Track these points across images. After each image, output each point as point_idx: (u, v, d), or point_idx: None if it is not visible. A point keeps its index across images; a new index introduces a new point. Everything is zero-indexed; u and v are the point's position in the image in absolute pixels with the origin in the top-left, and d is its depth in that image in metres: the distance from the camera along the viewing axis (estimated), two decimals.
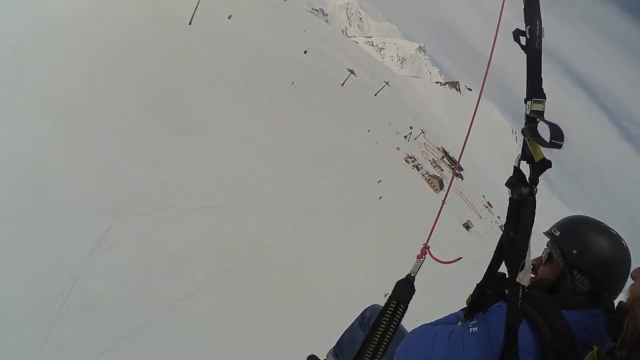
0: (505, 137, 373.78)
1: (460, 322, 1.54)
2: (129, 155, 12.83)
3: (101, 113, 13.36)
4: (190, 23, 28.81)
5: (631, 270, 1.30)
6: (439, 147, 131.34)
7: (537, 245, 1.40)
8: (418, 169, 73.97)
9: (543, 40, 1.15)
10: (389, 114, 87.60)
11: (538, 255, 1.57)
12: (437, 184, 71.06)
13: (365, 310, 2.50)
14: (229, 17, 38.10)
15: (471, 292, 1.57)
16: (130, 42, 19.35)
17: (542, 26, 1.15)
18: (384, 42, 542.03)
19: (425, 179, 71.68)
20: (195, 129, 17.26)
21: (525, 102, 1.18)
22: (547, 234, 1.57)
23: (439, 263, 1.64)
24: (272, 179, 19.21)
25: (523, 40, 1.18)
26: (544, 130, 1.11)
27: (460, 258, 1.53)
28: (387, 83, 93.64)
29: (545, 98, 1.15)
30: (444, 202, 2.14)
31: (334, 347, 2.65)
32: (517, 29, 1.18)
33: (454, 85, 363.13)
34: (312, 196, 21.24)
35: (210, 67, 24.75)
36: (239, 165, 17.68)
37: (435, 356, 1.37)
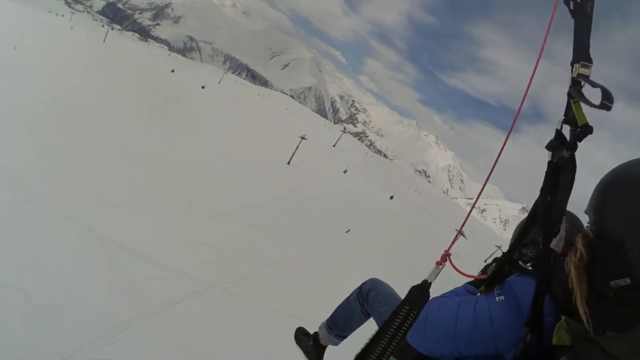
0: None
1: (479, 294, 1.51)
2: None
3: None
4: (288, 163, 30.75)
5: None
6: None
7: None
8: None
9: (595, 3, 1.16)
10: None
11: None
12: None
13: (363, 283, 2.38)
14: (345, 172, 40.54)
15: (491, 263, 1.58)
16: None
17: None
18: (485, 204, 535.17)
19: None
20: None
21: (572, 65, 1.17)
22: None
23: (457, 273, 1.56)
24: None
25: (572, 5, 1.18)
26: (589, 94, 1.11)
27: (485, 275, 1.45)
28: (499, 247, 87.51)
29: (592, 63, 1.15)
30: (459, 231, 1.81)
31: (328, 319, 2.59)
32: None
33: None
34: None
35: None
36: None
37: (462, 328, 1.33)
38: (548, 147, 1.21)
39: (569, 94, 1.16)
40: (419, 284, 1.32)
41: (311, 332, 2.81)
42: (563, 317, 1.11)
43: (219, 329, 9.25)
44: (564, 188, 1.16)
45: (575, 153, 1.17)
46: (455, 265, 1.49)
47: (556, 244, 1.18)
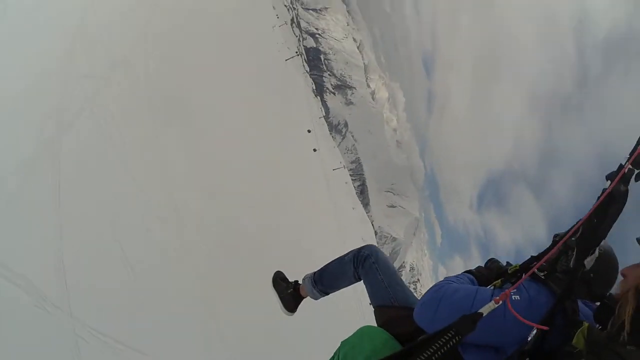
0: None
1: (493, 288, 1.61)
2: None
3: None
4: None
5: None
6: None
7: None
8: None
9: None
10: None
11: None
12: None
13: (363, 247, 2.33)
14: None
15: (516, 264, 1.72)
16: None
17: None
18: None
19: None
20: None
21: None
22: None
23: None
24: None
25: None
26: None
27: (547, 327, 1.34)
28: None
29: None
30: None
31: (315, 272, 2.54)
32: None
33: None
34: None
35: None
36: None
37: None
38: (608, 176, 1.32)
39: None
40: (471, 314, 1.32)
41: (291, 280, 2.79)
42: (587, 324, 1.23)
43: None
44: (612, 216, 1.28)
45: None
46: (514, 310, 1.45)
47: (588, 262, 1.35)
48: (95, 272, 5.00)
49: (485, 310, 1.32)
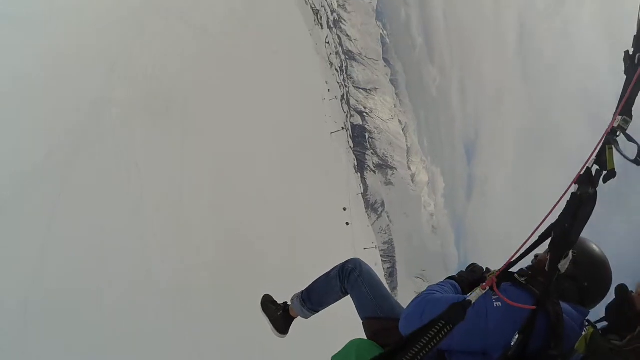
0: None
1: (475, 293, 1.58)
2: None
3: None
4: None
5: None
6: None
7: None
8: None
9: None
10: None
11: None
12: None
13: (347, 262, 2.39)
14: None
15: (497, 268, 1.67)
16: None
17: None
18: None
19: None
20: None
21: (615, 116, 1.27)
22: None
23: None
24: None
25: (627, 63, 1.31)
26: (622, 145, 1.24)
27: (534, 307, 1.41)
28: None
29: (632, 119, 1.27)
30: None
31: (303, 292, 2.56)
32: (627, 51, 1.32)
33: None
34: None
35: None
36: None
37: (460, 325, 1.38)
38: (577, 181, 1.33)
39: (608, 141, 1.27)
40: (459, 302, 1.35)
41: (279, 302, 2.82)
42: (592, 330, 1.30)
43: None
44: (582, 220, 1.29)
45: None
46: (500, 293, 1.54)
47: (562, 265, 1.35)
48: None
49: (473, 297, 1.39)
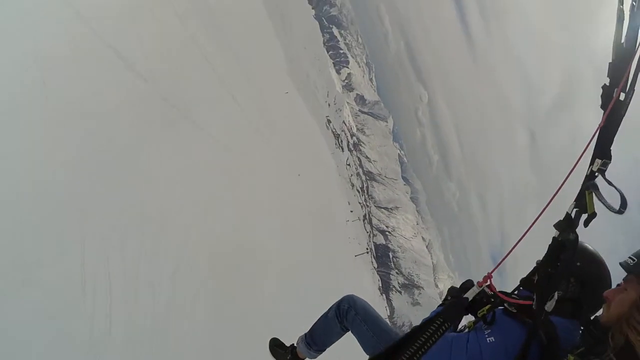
0: None
1: (467, 330, 1.71)
2: None
3: None
4: None
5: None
6: None
7: None
8: None
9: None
10: None
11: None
12: None
13: (341, 301, 2.42)
14: None
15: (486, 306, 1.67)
16: None
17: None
18: None
19: None
20: None
21: (593, 160, 1.21)
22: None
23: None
24: None
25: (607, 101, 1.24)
26: (602, 189, 1.17)
27: (531, 302, 1.46)
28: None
29: (611, 160, 1.18)
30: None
31: (306, 334, 2.61)
32: (605, 84, 1.23)
33: None
34: None
35: None
36: None
37: None
38: (557, 226, 1.34)
39: (585, 186, 1.24)
40: (456, 300, 1.45)
41: (286, 344, 2.85)
42: (572, 356, 1.32)
43: None
44: (564, 265, 1.31)
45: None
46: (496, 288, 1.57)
47: (549, 306, 1.37)
48: None
49: (470, 294, 1.47)
